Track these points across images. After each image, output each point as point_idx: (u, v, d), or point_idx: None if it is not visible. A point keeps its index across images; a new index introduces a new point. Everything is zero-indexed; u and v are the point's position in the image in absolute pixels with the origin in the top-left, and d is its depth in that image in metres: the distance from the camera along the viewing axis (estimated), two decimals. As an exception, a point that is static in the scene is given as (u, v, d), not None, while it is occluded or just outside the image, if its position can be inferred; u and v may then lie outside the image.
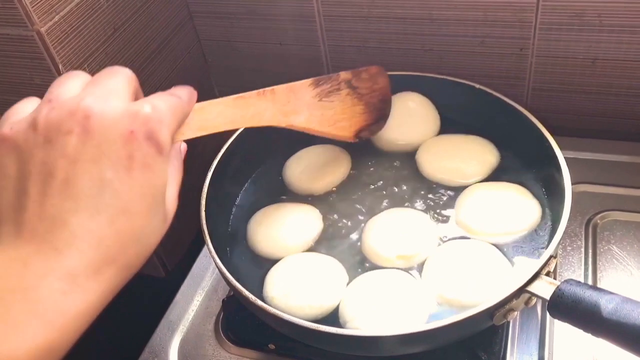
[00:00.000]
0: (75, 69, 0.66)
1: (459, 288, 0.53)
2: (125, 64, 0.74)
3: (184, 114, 0.38)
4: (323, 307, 0.54)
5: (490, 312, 0.48)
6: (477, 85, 0.68)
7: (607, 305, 0.43)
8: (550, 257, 0.49)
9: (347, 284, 0.56)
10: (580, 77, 0.74)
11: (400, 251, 0.57)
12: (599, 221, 0.66)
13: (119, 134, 0.32)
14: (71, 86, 0.35)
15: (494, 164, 0.66)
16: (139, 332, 0.66)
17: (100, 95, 0.33)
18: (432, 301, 0.54)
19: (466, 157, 0.66)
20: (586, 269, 0.62)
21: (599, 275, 0.61)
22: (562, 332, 0.57)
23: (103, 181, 0.32)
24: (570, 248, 0.64)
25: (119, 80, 0.35)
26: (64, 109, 0.33)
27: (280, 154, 0.71)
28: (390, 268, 0.57)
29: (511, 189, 0.61)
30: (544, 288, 0.47)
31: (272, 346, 0.59)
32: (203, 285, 0.67)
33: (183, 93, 0.38)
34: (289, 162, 0.70)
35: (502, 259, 0.56)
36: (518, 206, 0.59)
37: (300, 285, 0.55)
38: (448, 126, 0.71)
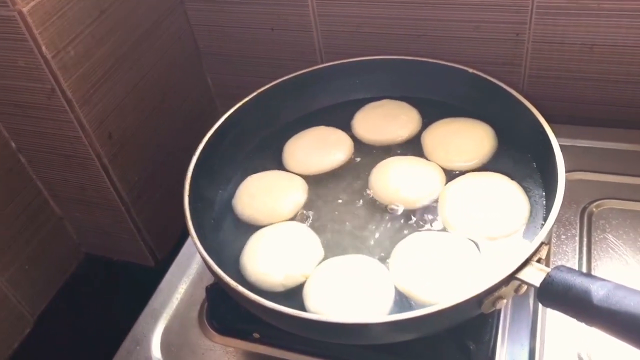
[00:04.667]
0: (60, 51, 0.65)
1: (421, 284, 0.52)
2: (112, 47, 0.72)
3: None
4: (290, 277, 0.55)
5: (478, 300, 0.46)
6: (470, 70, 0.66)
7: (598, 292, 0.41)
8: (542, 243, 0.48)
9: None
10: (577, 63, 0.73)
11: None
12: (594, 209, 0.64)
13: None
14: None
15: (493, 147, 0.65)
16: (124, 321, 0.65)
17: None
18: (395, 291, 0.53)
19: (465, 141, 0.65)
20: (580, 258, 0.60)
21: (593, 264, 0.60)
22: (553, 323, 0.55)
23: None
24: (564, 237, 0.62)
25: None
26: None
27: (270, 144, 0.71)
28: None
29: (500, 183, 0.59)
30: (534, 275, 0.46)
31: (256, 335, 0.58)
32: (189, 273, 0.66)
33: None
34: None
35: (475, 257, 0.54)
36: (506, 206, 0.57)
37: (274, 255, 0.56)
38: (442, 112, 0.69)
